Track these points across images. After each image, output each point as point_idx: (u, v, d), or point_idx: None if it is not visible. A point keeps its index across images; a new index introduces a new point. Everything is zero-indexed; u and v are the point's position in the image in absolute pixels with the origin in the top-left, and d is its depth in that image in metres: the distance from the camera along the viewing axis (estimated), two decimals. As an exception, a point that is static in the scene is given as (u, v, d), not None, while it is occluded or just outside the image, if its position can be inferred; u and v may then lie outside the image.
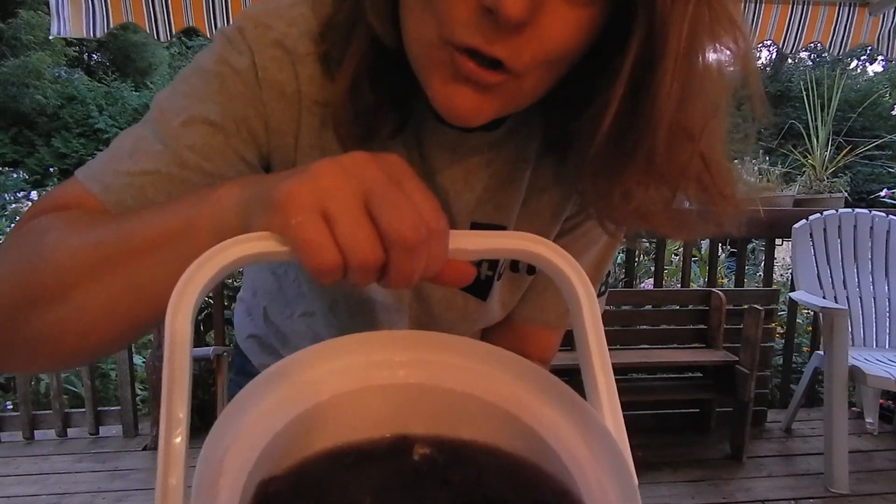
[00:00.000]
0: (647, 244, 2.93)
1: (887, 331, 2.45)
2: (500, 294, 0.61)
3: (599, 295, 0.64)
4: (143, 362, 2.69)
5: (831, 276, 2.51)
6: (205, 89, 0.47)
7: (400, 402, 0.33)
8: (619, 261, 2.98)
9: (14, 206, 5.16)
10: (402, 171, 0.34)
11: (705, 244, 3.41)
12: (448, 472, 0.31)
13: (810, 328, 2.96)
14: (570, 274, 0.34)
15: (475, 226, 0.56)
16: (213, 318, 2.53)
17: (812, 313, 2.91)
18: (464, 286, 0.36)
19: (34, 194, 5.27)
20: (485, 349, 0.35)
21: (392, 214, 0.31)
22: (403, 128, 0.49)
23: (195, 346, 1.88)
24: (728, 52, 0.40)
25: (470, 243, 0.34)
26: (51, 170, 10.57)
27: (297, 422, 0.30)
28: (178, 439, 0.29)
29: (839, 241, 2.53)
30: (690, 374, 2.60)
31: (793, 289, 2.55)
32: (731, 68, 0.42)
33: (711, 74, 0.41)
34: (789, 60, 16.82)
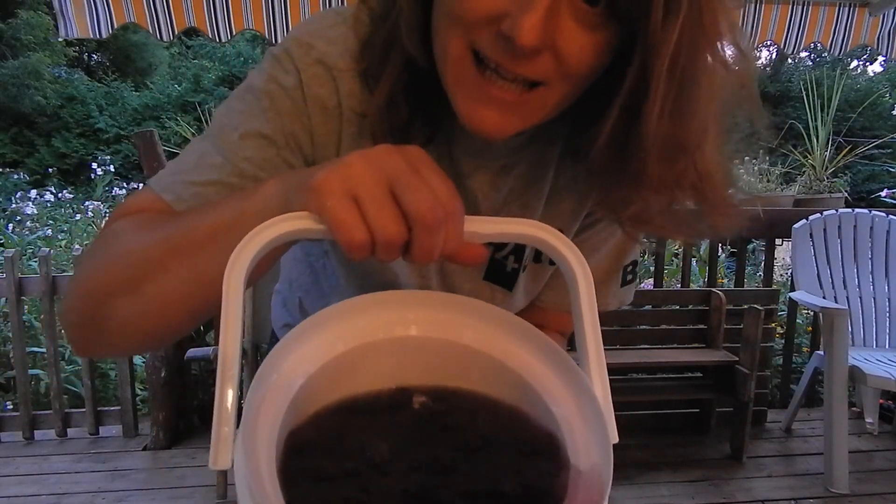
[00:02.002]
0: (648, 244, 2.93)
1: (887, 331, 2.45)
2: (524, 284, 0.66)
3: (626, 283, 0.69)
4: (143, 362, 2.69)
5: (831, 276, 2.51)
6: (257, 106, 0.52)
7: (404, 355, 0.38)
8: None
9: (14, 206, 5.16)
10: (422, 160, 0.38)
11: (705, 244, 3.41)
12: (446, 419, 0.35)
13: (810, 328, 2.96)
14: (568, 256, 0.38)
15: None
16: (212, 318, 2.53)
17: (812, 313, 2.91)
18: (478, 264, 0.40)
19: (33, 193, 5.29)
20: (496, 312, 0.39)
21: (413, 197, 0.35)
22: (434, 138, 0.54)
23: (195, 347, 1.90)
24: (726, 67, 0.44)
25: (482, 227, 0.38)
26: (50, 170, 10.57)
27: (317, 375, 0.34)
28: (230, 392, 0.33)
29: (839, 241, 2.53)
30: (690, 374, 2.60)
31: (793, 289, 2.55)
32: (728, 82, 0.45)
33: (707, 92, 0.44)
34: (789, 60, 16.82)
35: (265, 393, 0.33)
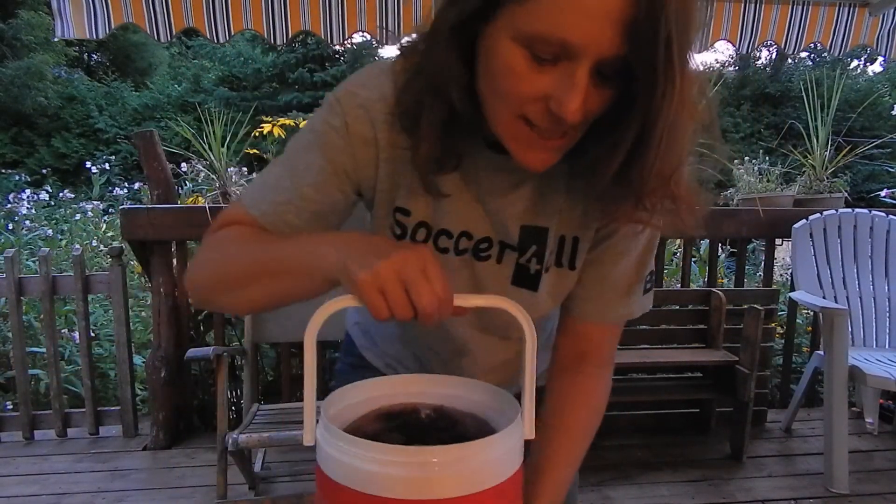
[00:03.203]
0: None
1: (887, 331, 2.45)
2: (548, 286, 0.76)
3: (646, 292, 0.79)
4: (143, 362, 2.69)
5: (831, 276, 2.51)
6: (316, 142, 0.69)
7: (416, 394, 0.64)
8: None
9: (9, 206, 5.15)
10: (428, 262, 0.53)
11: (705, 244, 3.41)
12: (437, 422, 0.60)
13: (810, 328, 2.96)
14: (520, 319, 0.56)
15: (524, 229, 0.73)
16: (212, 318, 2.53)
17: (812, 313, 2.91)
18: (461, 316, 0.57)
19: (26, 192, 5.32)
20: (469, 382, 0.64)
21: (417, 295, 0.51)
22: (460, 165, 0.68)
23: (195, 347, 1.92)
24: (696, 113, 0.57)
25: (465, 301, 0.56)
26: (46, 171, 10.55)
27: (356, 406, 0.61)
28: (313, 396, 0.54)
29: (839, 241, 2.54)
30: (690, 374, 2.60)
31: (793, 289, 2.55)
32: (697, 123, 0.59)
33: (685, 135, 0.57)
34: (789, 60, 16.82)
35: (337, 408, 0.59)
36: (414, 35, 0.65)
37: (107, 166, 7.11)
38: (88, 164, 6.98)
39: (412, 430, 0.58)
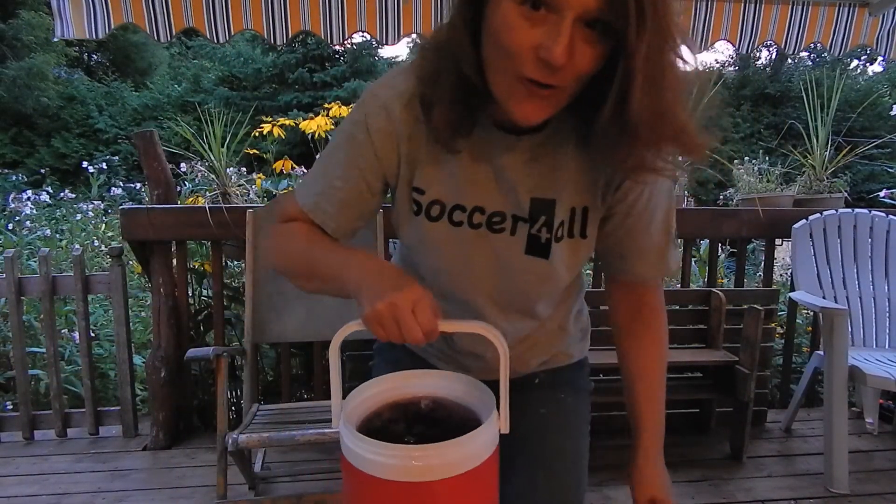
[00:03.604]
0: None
1: (887, 331, 2.45)
2: (561, 256, 0.84)
3: (676, 248, 0.87)
4: (143, 362, 2.69)
5: (831, 276, 2.51)
6: (344, 141, 0.82)
7: (417, 388, 0.78)
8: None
9: (12, 206, 5.15)
10: (418, 301, 0.65)
11: (705, 244, 3.41)
12: (434, 411, 0.75)
13: (810, 328, 2.96)
14: (493, 340, 0.70)
15: (535, 200, 0.81)
16: (212, 318, 2.53)
17: (812, 313, 2.91)
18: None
19: (27, 193, 5.33)
20: (460, 377, 0.77)
21: (406, 328, 0.64)
22: (472, 133, 0.76)
23: (195, 347, 1.92)
24: (682, 60, 0.65)
25: (448, 327, 0.69)
26: (44, 171, 10.52)
27: (373, 398, 0.76)
28: (339, 394, 0.71)
29: (839, 241, 2.54)
30: (690, 374, 2.60)
31: (793, 289, 2.55)
32: (690, 70, 0.66)
33: (672, 75, 0.63)
34: (789, 60, 16.81)
35: (358, 400, 0.74)
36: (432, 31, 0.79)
37: (104, 166, 7.12)
38: (85, 164, 6.99)
39: (414, 418, 0.74)
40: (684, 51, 0.64)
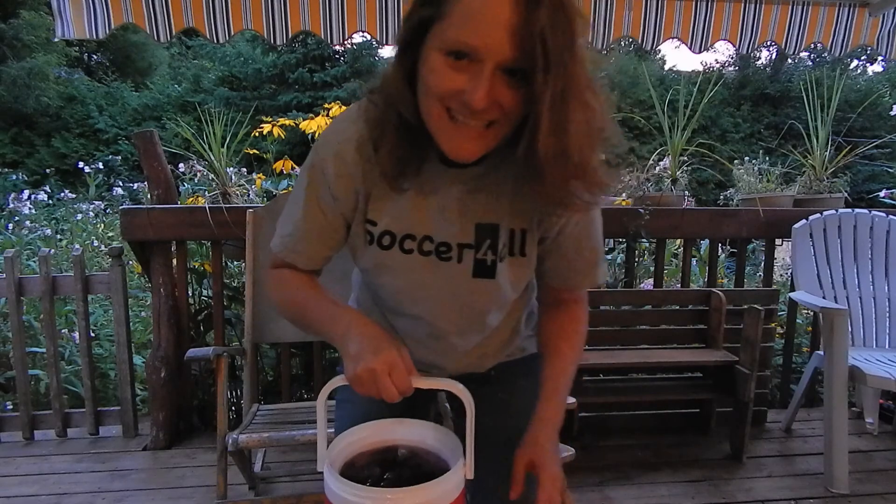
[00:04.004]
0: (647, 244, 2.93)
1: (887, 331, 2.45)
2: (506, 274, 0.91)
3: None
4: (143, 362, 2.69)
5: (831, 276, 2.51)
6: (305, 186, 0.90)
7: (390, 439, 0.87)
8: (618, 261, 2.98)
9: (11, 206, 5.15)
10: (394, 366, 0.75)
11: (705, 244, 3.41)
12: (408, 458, 0.84)
13: (810, 328, 2.96)
14: (462, 396, 0.78)
15: (479, 226, 0.88)
16: (212, 318, 2.53)
17: (812, 313, 2.91)
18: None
19: (25, 193, 5.34)
20: (435, 427, 0.87)
21: (383, 389, 0.75)
22: (421, 172, 0.84)
23: (195, 347, 1.93)
24: (594, 102, 0.72)
25: (422, 384, 0.78)
26: (45, 171, 10.51)
27: (354, 444, 0.85)
28: (325, 440, 0.81)
29: (839, 241, 2.54)
30: (690, 374, 2.60)
31: (793, 289, 2.55)
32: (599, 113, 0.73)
33: (579, 119, 0.69)
34: (789, 60, 16.81)
35: (341, 445, 0.83)
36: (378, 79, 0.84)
37: (100, 165, 7.13)
38: (81, 165, 7.01)
39: (390, 463, 0.83)
40: (595, 96, 0.71)
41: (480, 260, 0.89)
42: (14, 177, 9.34)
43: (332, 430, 1.00)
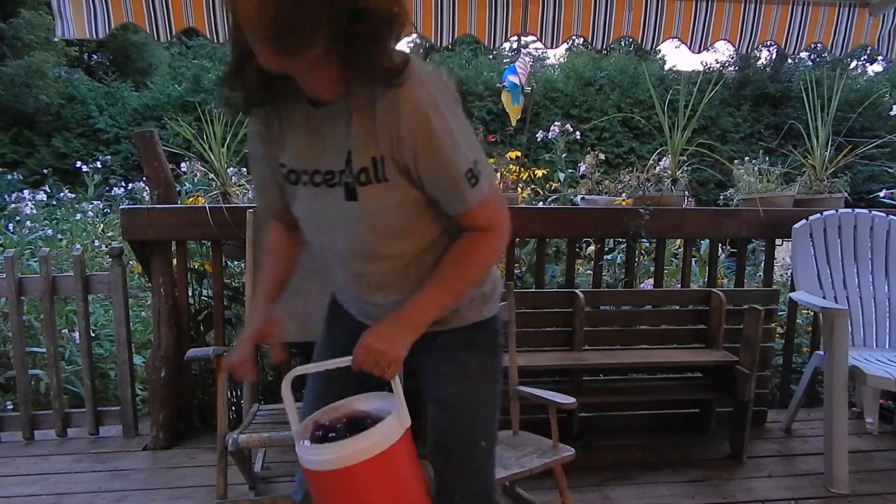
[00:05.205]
0: (647, 244, 2.93)
1: (887, 331, 2.45)
2: (371, 198, 0.99)
3: (476, 185, 0.99)
4: (144, 362, 2.69)
5: (831, 276, 2.51)
6: (249, 148, 1.16)
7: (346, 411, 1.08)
8: (618, 261, 2.98)
9: (12, 206, 5.15)
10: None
11: (705, 244, 3.41)
12: (357, 422, 1.02)
13: (810, 328, 2.96)
14: (399, 408, 0.98)
15: (349, 153, 0.97)
16: (212, 318, 2.53)
17: (812, 313, 2.91)
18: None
19: (25, 193, 5.34)
20: (381, 395, 1.07)
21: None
22: (294, 112, 1.02)
23: (195, 347, 1.97)
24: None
25: (395, 385, 1.00)
26: (45, 171, 10.50)
27: (320, 415, 1.08)
28: (296, 421, 1.03)
29: (839, 241, 2.54)
30: (690, 374, 2.60)
31: (793, 289, 2.55)
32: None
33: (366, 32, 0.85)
34: (789, 60, 16.80)
35: (308, 421, 1.06)
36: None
37: (98, 165, 7.13)
38: (79, 164, 7.02)
39: (347, 428, 0.99)
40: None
41: (348, 184, 0.99)
42: (10, 176, 9.33)
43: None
